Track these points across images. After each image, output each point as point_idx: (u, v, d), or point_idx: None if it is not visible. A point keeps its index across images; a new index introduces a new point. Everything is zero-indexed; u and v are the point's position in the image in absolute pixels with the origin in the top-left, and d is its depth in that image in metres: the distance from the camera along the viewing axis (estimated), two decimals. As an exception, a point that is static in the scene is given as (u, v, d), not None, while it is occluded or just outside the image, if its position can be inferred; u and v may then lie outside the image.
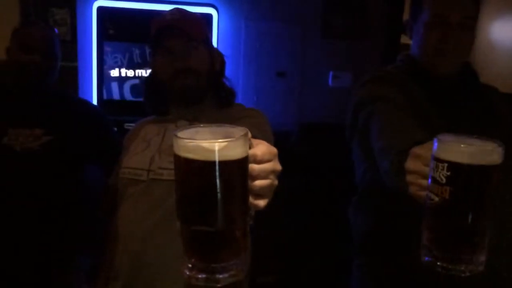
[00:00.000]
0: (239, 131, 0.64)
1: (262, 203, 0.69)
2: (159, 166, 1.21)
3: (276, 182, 0.70)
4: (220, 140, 0.59)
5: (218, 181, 0.59)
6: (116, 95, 2.78)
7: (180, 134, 0.62)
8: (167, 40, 1.27)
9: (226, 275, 0.63)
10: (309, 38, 3.07)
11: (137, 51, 2.76)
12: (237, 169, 0.62)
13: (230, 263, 0.63)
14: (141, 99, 2.78)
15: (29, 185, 1.52)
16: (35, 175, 1.53)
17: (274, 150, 0.70)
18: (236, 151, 0.61)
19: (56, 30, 1.72)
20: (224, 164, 0.59)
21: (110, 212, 1.68)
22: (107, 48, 2.73)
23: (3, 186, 1.50)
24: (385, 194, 1.16)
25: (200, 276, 0.64)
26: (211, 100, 1.33)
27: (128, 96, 2.79)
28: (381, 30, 3.19)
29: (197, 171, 0.60)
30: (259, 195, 0.68)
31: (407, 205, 0.92)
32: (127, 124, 2.65)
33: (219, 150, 0.59)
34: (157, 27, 1.28)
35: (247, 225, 0.65)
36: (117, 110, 2.67)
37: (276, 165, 0.70)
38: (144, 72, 2.78)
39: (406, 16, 3.14)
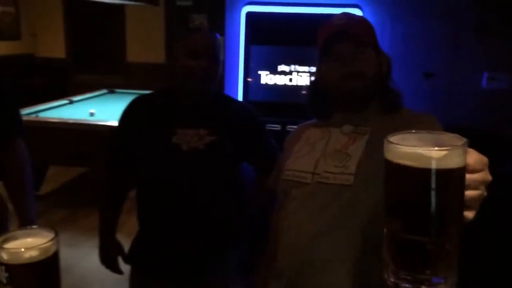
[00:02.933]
0: (454, 139, 0.61)
1: (470, 215, 0.65)
2: (325, 170, 1.21)
3: (485, 193, 0.66)
4: (439, 148, 0.57)
5: (435, 190, 0.57)
6: (261, 97, 2.88)
7: (392, 139, 0.61)
8: (335, 45, 1.26)
9: None
10: (461, 36, 2.87)
11: (283, 55, 2.83)
12: (455, 179, 0.59)
13: (439, 276, 0.61)
14: (284, 101, 2.89)
15: (193, 181, 1.62)
16: (199, 172, 1.63)
17: (485, 159, 0.66)
18: (455, 160, 0.58)
19: (218, 35, 1.80)
20: (442, 172, 0.57)
21: (264, 211, 1.74)
22: (254, 52, 2.83)
23: (170, 182, 1.62)
24: None
25: (405, 285, 0.62)
26: (377, 104, 1.30)
27: (272, 98, 2.88)
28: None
29: (412, 178, 0.58)
30: (467, 206, 0.64)
31: None
32: (269, 125, 2.74)
33: (438, 158, 0.57)
34: (325, 32, 1.28)
35: (460, 239, 0.61)
36: (261, 112, 2.77)
37: (487, 175, 0.66)
38: (290, 76, 2.84)
39: None
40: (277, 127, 2.78)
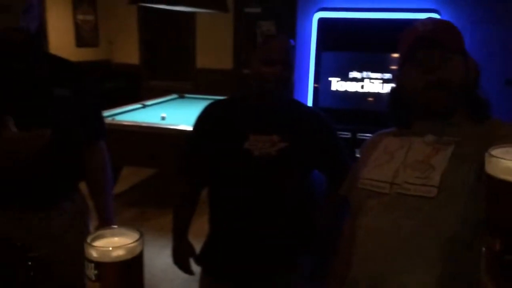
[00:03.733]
0: None
1: None
2: (405, 181, 1.16)
3: None
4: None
5: (544, 209, 0.53)
6: (330, 104, 2.84)
7: (494, 153, 0.57)
8: (420, 52, 1.20)
9: None
10: (548, 41, 2.68)
11: (355, 61, 2.77)
12: None
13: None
14: (355, 109, 2.83)
15: (264, 187, 1.63)
16: (270, 178, 1.63)
17: None
18: None
19: (292, 41, 1.79)
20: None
21: (335, 219, 1.71)
22: (325, 58, 2.80)
23: (242, 187, 1.64)
24: None
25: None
26: (464, 113, 1.23)
27: (342, 105, 2.83)
28: None
29: None
30: None
31: None
32: (339, 132, 2.69)
33: (548, 174, 0.52)
34: (409, 38, 1.24)
35: None
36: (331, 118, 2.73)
37: None
38: (361, 82, 2.78)
39: None
40: (347, 134, 2.73)
